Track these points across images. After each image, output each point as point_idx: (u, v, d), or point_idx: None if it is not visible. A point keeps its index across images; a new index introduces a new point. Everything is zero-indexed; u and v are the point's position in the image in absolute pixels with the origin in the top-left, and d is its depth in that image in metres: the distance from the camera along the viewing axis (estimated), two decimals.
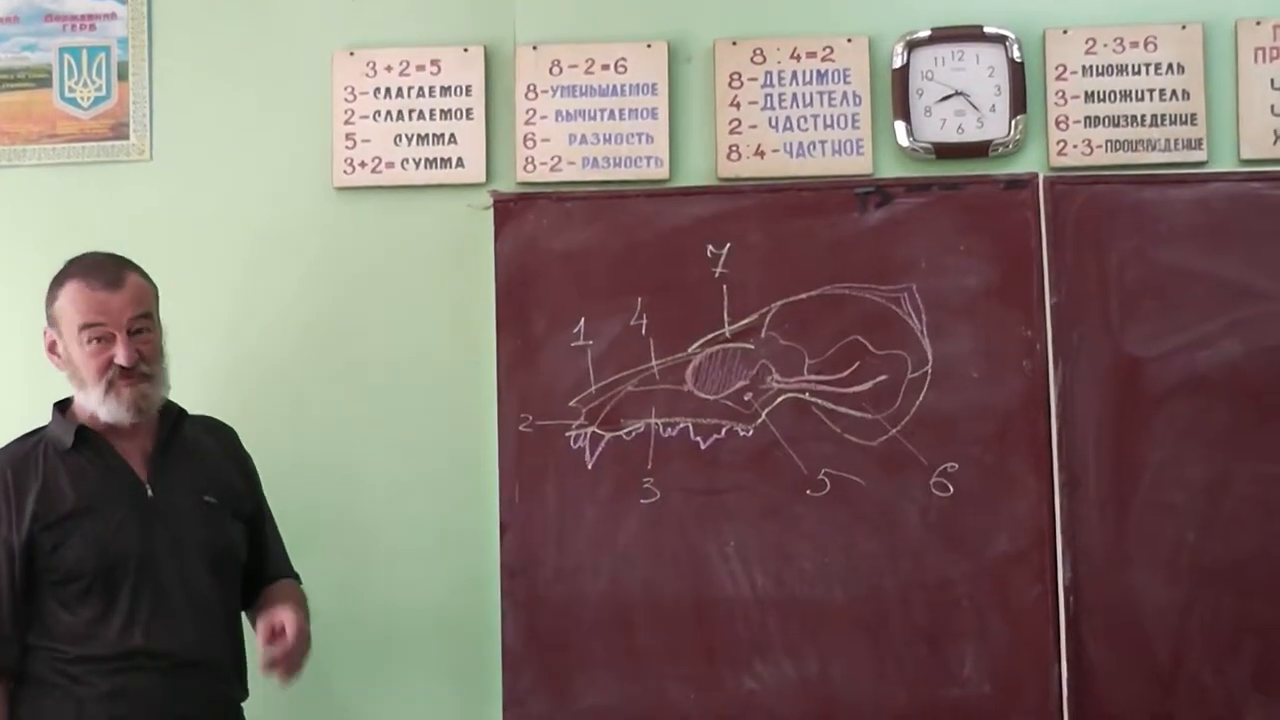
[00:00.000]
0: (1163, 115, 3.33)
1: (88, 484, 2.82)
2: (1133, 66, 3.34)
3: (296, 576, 3.07)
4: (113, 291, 2.81)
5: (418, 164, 3.38)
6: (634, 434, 3.28)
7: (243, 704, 2.96)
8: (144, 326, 2.84)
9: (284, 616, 2.81)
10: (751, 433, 3.27)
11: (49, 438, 2.88)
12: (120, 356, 2.79)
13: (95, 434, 2.85)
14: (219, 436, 3.03)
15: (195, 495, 2.89)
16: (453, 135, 3.38)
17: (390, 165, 3.39)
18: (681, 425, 3.28)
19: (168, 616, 2.80)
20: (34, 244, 3.39)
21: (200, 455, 2.94)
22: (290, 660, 2.80)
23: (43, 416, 3.05)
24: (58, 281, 2.86)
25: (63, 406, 2.91)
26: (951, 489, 3.25)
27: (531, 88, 3.38)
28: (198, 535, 2.85)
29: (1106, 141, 3.34)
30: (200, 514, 2.87)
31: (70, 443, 2.84)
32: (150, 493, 2.84)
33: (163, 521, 2.83)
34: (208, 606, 2.86)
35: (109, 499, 2.82)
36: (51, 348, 2.88)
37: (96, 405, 2.83)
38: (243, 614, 2.99)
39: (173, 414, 2.93)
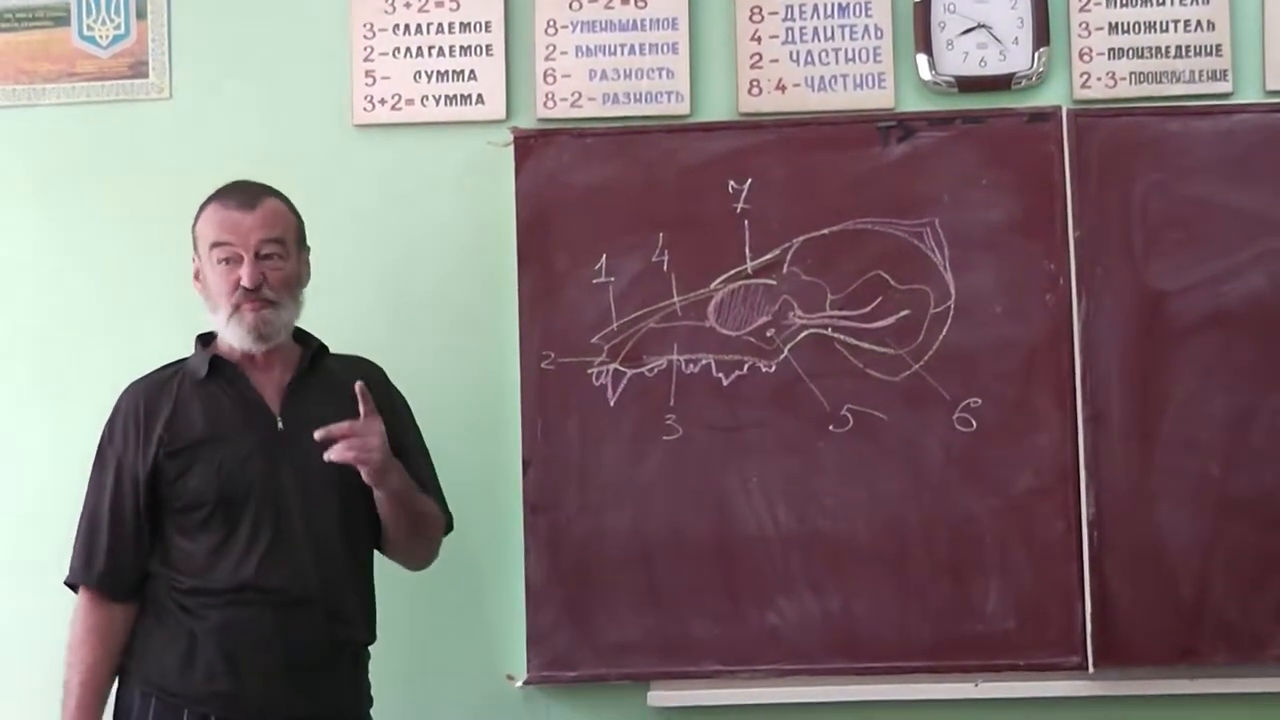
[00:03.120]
0: (1187, 46, 3.31)
1: (218, 413, 2.77)
2: None
3: (444, 508, 2.97)
4: (245, 212, 2.77)
5: (437, 101, 3.37)
6: (656, 370, 3.27)
7: (369, 647, 2.90)
8: (275, 252, 2.78)
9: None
10: (774, 369, 3.26)
11: (188, 367, 2.85)
12: (245, 278, 2.74)
13: (230, 364, 2.80)
14: (363, 373, 2.88)
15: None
16: (472, 72, 3.37)
17: (410, 102, 3.37)
18: (704, 361, 3.27)
19: (285, 552, 2.73)
20: (54, 183, 3.42)
21: (338, 391, 2.79)
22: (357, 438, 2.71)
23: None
24: (201, 207, 2.83)
25: (206, 340, 2.87)
26: (975, 424, 3.24)
27: (551, 23, 3.37)
28: (327, 472, 2.74)
29: (1130, 73, 3.31)
30: None
31: (205, 372, 2.79)
32: (281, 425, 2.78)
33: (290, 455, 2.75)
34: (331, 545, 2.79)
35: (237, 428, 2.76)
36: (196, 275, 2.83)
37: (223, 328, 2.79)
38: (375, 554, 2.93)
39: (312, 348, 2.88)
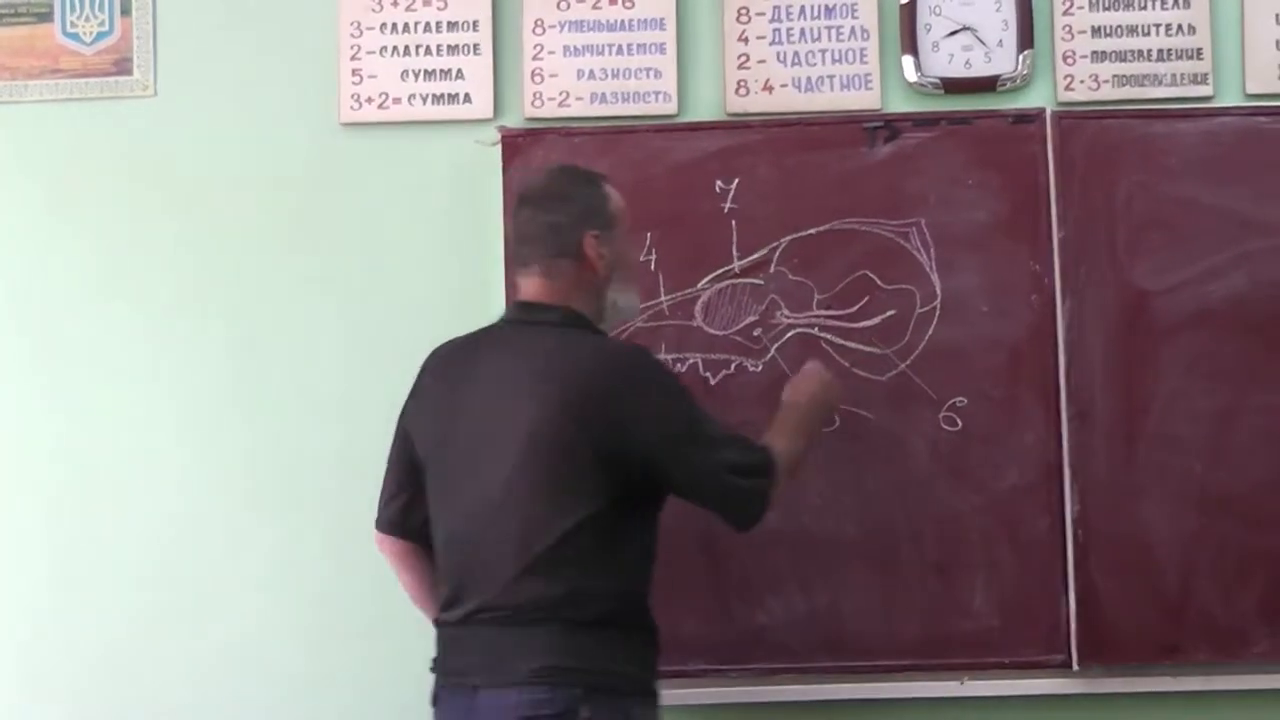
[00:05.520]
0: (1169, 50, 3.35)
1: None
2: (1139, 1, 3.35)
3: None
4: None
5: (425, 99, 3.37)
6: None
7: None
8: None
9: None
10: (761, 368, 3.27)
11: None
12: None
13: None
14: None
15: None
16: (460, 71, 3.37)
17: (397, 101, 3.37)
18: (691, 360, 3.27)
19: None
20: (37, 180, 3.39)
21: None
22: None
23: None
24: (593, 183, 2.76)
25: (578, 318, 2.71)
26: (960, 423, 3.25)
27: (539, 22, 3.37)
28: None
29: (1113, 76, 3.35)
30: None
31: None
32: None
33: None
34: None
35: None
36: (600, 256, 2.71)
37: (631, 301, 2.83)
38: None
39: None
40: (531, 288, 2.73)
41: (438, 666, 2.73)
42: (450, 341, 2.84)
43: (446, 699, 2.68)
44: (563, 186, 2.75)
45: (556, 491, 2.59)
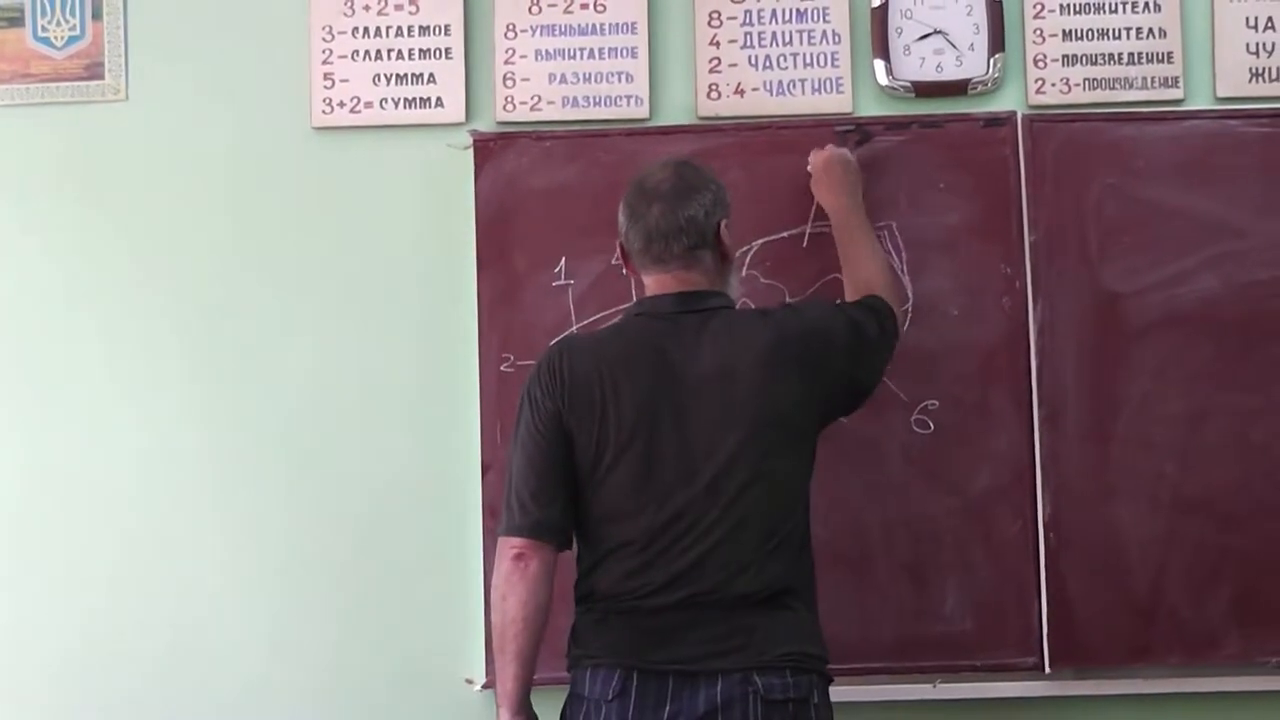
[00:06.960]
0: (1139, 53, 3.35)
1: None
2: (1110, 5, 3.36)
3: None
4: None
5: (397, 104, 3.37)
6: None
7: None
8: None
9: None
10: None
11: None
12: None
13: None
14: None
15: None
16: (432, 75, 3.37)
17: (369, 105, 3.37)
18: None
19: None
20: (6, 185, 3.39)
21: None
22: None
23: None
24: (711, 173, 2.84)
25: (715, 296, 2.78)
26: (932, 426, 3.26)
27: (511, 27, 3.37)
28: None
29: (1084, 80, 3.35)
30: None
31: None
32: None
33: None
34: None
35: None
36: (729, 242, 2.80)
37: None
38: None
39: None
40: (672, 281, 2.75)
41: (627, 651, 2.63)
42: (585, 337, 2.98)
43: (646, 684, 2.59)
44: (691, 180, 2.79)
45: (804, 470, 2.75)
